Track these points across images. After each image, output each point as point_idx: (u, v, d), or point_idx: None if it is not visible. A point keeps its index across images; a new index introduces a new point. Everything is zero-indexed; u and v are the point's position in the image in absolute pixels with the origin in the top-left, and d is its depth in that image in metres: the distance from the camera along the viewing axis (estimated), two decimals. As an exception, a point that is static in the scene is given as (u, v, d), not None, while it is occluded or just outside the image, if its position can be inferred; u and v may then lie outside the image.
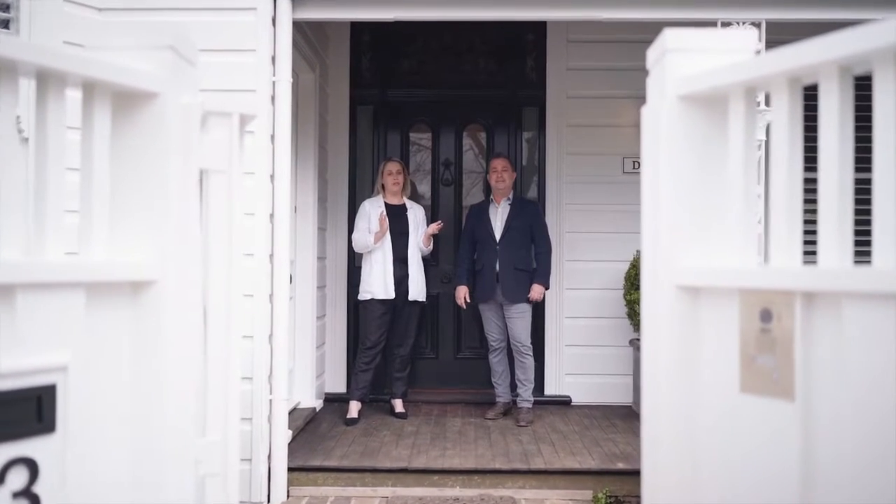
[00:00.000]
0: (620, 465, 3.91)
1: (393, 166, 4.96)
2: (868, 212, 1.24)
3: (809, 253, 1.34)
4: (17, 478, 1.25)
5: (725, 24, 3.44)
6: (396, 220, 4.87)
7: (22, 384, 1.25)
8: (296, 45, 4.07)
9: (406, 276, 4.84)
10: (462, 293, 4.97)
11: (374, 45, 5.70)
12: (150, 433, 1.50)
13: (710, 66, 1.50)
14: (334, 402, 5.35)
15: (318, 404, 5.18)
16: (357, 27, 5.61)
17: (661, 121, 1.58)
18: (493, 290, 4.85)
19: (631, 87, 5.06)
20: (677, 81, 1.55)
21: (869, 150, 1.22)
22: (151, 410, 1.49)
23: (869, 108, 1.22)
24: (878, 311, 1.18)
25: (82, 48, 1.55)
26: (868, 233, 1.23)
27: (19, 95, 2.97)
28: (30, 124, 2.90)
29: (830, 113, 1.27)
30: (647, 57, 1.69)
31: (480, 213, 5.02)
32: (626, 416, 5.06)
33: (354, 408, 4.83)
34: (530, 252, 4.91)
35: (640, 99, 1.76)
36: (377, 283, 4.79)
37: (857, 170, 1.30)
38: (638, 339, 5.06)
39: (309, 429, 4.63)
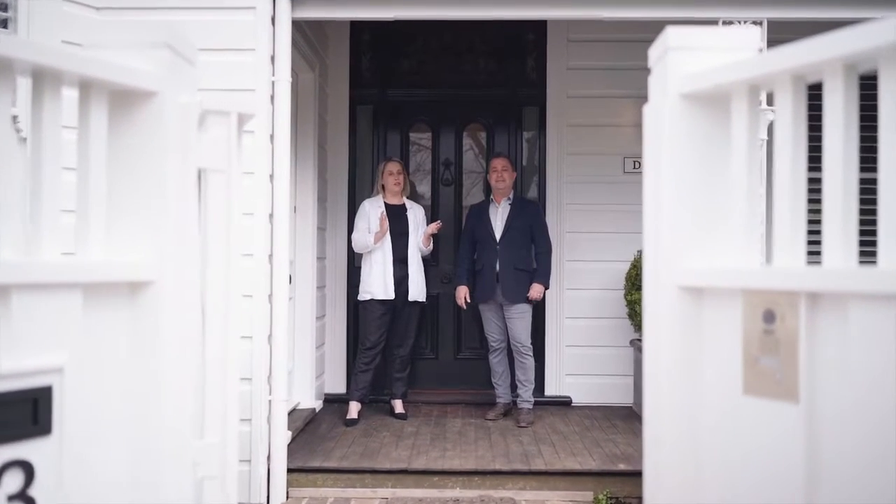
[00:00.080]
0: (621, 466, 3.90)
1: (393, 166, 4.94)
2: (873, 212, 1.22)
3: (813, 253, 1.33)
4: (13, 481, 1.23)
5: (727, 23, 3.43)
6: (396, 220, 4.86)
7: (17, 386, 1.23)
8: (295, 44, 4.05)
9: (406, 276, 4.83)
10: (462, 293, 4.95)
11: (373, 44, 5.69)
12: (147, 435, 1.48)
13: (712, 64, 1.49)
14: (334, 402, 5.34)
15: (317, 405, 5.17)
16: (357, 26, 5.60)
17: (663, 119, 1.56)
18: (493, 291, 4.84)
19: (631, 86, 5.05)
20: (680, 80, 1.53)
21: (873, 149, 1.20)
22: (149, 412, 1.48)
23: (873, 108, 1.21)
24: (883, 312, 1.17)
25: (80, 47, 1.53)
26: (873, 233, 1.22)
27: (17, 95, 2.96)
28: (27, 124, 2.89)
29: (835, 111, 1.25)
30: (649, 55, 1.68)
31: (480, 212, 5.01)
32: (627, 417, 5.05)
33: (354, 408, 4.82)
34: (530, 252, 4.90)
35: (641, 98, 1.75)
36: (377, 284, 4.78)
37: (862, 169, 1.28)
38: (638, 340, 5.05)
39: (308, 430, 4.62)
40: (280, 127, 3.63)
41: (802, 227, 1.35)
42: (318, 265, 5.20)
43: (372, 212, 4.87)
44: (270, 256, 3.64)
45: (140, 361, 1.47)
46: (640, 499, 3.72)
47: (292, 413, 4.71)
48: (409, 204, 5.01)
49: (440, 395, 5.54)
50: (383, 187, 4.95)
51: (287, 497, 3.72)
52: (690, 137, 1.54)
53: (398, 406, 4.99)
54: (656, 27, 1.84)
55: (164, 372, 1.49)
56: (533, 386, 4.93)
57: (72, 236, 1.40)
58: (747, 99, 1.44)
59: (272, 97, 3.63)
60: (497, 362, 4.99)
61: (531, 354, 4.86)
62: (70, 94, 1.37)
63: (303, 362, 5.04)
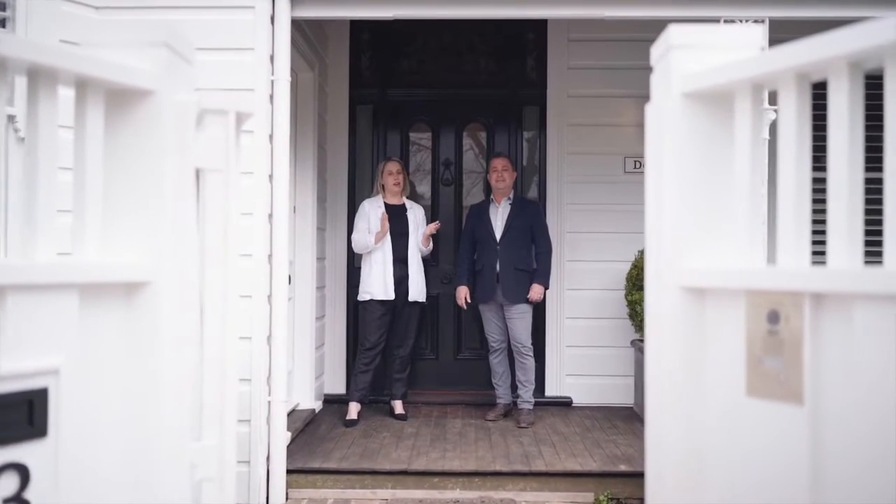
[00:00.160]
0: (622, 467, 3.88)
1: (393, 166, 4.93)
2: (878, 212, 1.21)
3: (817, 254, 1.31)
4: (8, 483, 1.22)
5: (728, 22, 3.42)
6: (396, 220, 4.85)
7: (13, 388, 1.22)
8: (294, 43, 4.04)
9: (406, 276, 4.81)
10: (462, 294, 4.94)
11: (373, 44, 5.68)
12: (145, 437, 1.47)
13: (715, 62, 1.47)
14: (333, 403, 5.32)
15: (317, 406, 5.15)
16: (356, 26, 5.58)
17: (665, 119, 1.55)
18: (493, 291, 4.82)
19: (632, 86, 5.04)
20: (682, 78, 1.52)
21: (878, 149, 1.19)
22: (146, 414, 1.47)
23: (878, 107, 1.19)
24: (888, 313, 1.15)
25: (76, 45, 1.52)
26: (878, 233, 1.20)
27: (14, 94, 2.94)
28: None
29: (840, 110, 1.24)
30: (651, 54, 1.67)
31: (481, 212, 4.99)
32: (628, 418, 5.04)
33: (354, 409, 4.81)
34: (531, 252, 4.88)
35: (642, 98, 1.74)
36: (377, 284, 4.76)
37: (867, 169, 1.27)
38: (639, 340, 5.04)
39: (308, 430, 4.61)
40: (279, 126, 3.62)
41: (807, 227, 1.33)
42: (317, 265, 5.19)
43: (372, 212, 4.85)
44: (270, 257, 3.63)
45: (137, 363, 1.46)
46: (641, 500, 3.71)
47: (292, 414, 4.69)
48: (409, 204, 4.99)
49: (440, 395, 5.52)
50: (383, 187, 4.94)
51: (286, 498, 3.70)
52: (693, 136, 1.53)
53: (398, 407, 4.98)
54: (657, 26, 1.82)
55: (161, 373, 1.47)
56: (533, 386, 4.92)
57: (68, 236, 1.39)
58: (751, 98, 1.43)
59: (271, 97, 3.61)
60: (497, 363, 4.98)
61: (531, 355, 4.85)
62: (67, 94, 1.36)
63: (302, 363, 5.02)
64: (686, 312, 1.53)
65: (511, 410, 4.99)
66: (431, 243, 5.03)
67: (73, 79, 1.34)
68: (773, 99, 1.54)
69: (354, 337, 5.49)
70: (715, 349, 1.49)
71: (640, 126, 5.12)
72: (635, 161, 5.33)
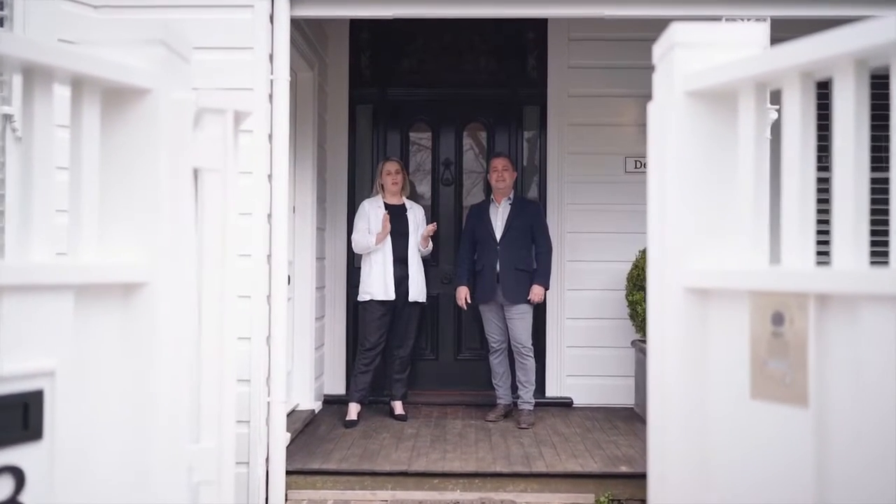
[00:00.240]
0: (623, 469, 3.87)
1: (391, 166, 4.91)
2: (883, 212, 1.20)
3: (821, 253, 1.30)
4: (3, 487, 1.21)
5: (730, 21, 3.40)
6: (396, 220, 4.83)
7: (7, 390, 1.20)
8: (294, 43, 4.02)
9: (406, 276, 4.80)
10: (462, 294, 4.92)
11: (373, 43, 5.66)
12: (142, 439, 1.45)
13: (718, 61, 1.46)
14: (333, 403, 5.31)
15: (316, 406, 5.14)
16: (356, 25, 5.57)
17: (668, 117, 1.53)
18: (493, 291, 4.81)
19: (633, 85, 5.03)
20: (685, 77, 1.50)
21: (883, 148, 1.17)
22: (143, 416, 1.45)
23: (883, 107, 1.18)
24: (894, 314, 1.14)
25: (73, 44, 1.51)
26: (884, 233, 1.19)
27: (11, 93, 2.92)
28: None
29: (846, 108, 1.22)
30: (653, 52, 1.65)
31: (481, 212, 4.98)
32: (629, 418, 5.02)
33: (354, 410, 4.79)
34: (531, 252, 4.87)
35: (642, 97, 1.73)
36: (377, 284, 4.75)
37: (872, 169, 1.25)
38: (640, 341, 5.02)
39: (307, 431, 4.59)
40: (279, 126, 3.60)
41: (811, 228, 1.32)
42: (317, 265, 5.17)
43: (372, 212, 4.84)
44: (269, 257, 3.61)
45: (135, 364, 1.45)
46: (642, 501, 3.69)
47: (291, 414, 4.68)
48: (408, 204, 4.98)
49: (440, 396, 5.51)
50: (382, 187, 4.92)
51: (286, 499, 3.69)
52: (696, 135, 1.51)
53: (398, 407, 4.96)
54: (658, 25, 1.81)
55: (158, 375, 1.46)
56: (534, 387, 4.90)
57: (63, 237, 1.37)
58: (754, 96, 1.41)
59: (270, 96, 3.60)
60: (497, 363, 4.96)
61: (532, 355, 4.83)
62: (63, 93, 1.34)
63: (302, 363, 5.01)
64: (689, 313, 1.51)
65: (511, 411, 4.98)
66: (431, 244, 5.02)
67: (69, 77, 1.33)
68: (774, 98, 1.53)
69: (354, 337, 5.47)
70: (718, 350, 1.47)
71: (641, 126, 5.11)
72: (636, 161, 5.31)
